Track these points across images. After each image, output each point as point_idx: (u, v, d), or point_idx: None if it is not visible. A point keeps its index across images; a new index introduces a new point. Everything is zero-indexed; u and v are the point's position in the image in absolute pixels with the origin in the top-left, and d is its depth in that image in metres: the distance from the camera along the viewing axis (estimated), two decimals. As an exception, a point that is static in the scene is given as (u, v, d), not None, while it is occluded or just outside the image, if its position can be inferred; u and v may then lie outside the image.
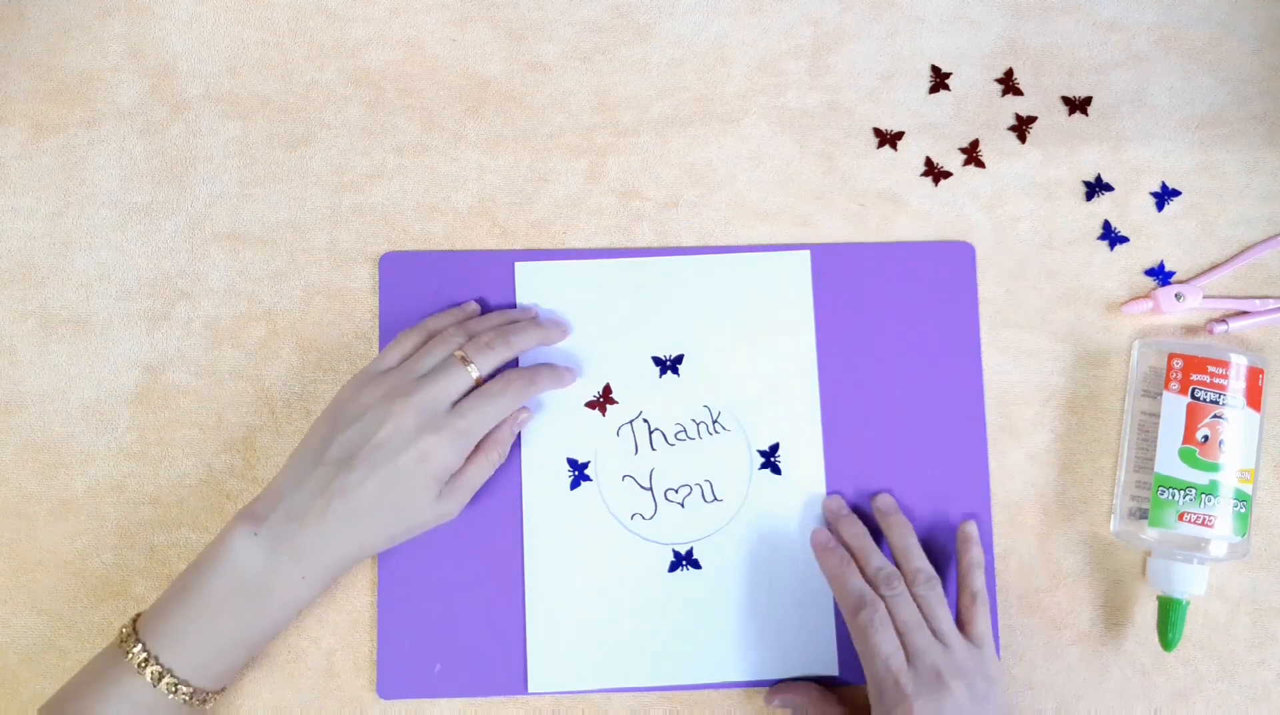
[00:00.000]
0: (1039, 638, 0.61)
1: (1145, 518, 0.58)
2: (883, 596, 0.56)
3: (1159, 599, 0.59)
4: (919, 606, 0.56)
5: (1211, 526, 0.57)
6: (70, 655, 0.60)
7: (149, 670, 0.52)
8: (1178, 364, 0.58)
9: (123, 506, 0.61)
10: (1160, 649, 0.60)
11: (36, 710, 0.55)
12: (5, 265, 0.63)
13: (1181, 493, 0.57)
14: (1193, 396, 0.58)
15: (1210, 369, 0.58)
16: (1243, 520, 0.58)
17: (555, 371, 0.60)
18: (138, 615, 0.55)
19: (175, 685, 0.53)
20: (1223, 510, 0.57)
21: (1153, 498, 0.58)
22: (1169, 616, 0.58)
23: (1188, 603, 0.58)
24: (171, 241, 0.63)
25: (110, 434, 0.61)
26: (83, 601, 0.60)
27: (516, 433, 0.59)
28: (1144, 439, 0.59)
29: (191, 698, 0.53)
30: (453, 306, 0.62)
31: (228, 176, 0.63)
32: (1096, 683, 0.60)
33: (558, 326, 0.61)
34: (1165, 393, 0.58)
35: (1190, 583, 0.58)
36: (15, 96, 0.64)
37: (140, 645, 0.53)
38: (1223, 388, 0.58)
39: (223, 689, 0.55)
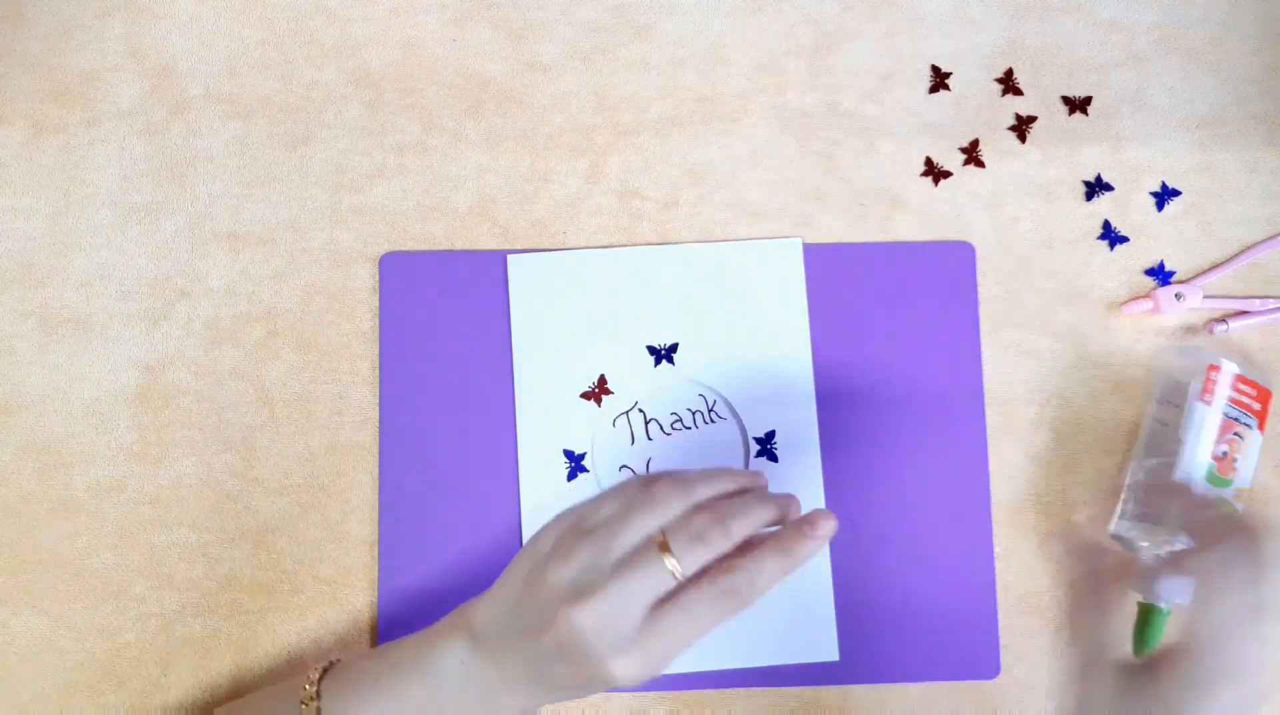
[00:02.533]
0: (1039, 638, 0.60)
1: (1148, 521, 0.57)
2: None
3: (1140, 604, 0.58)
4: None
5: None
6: (70, 655, 0.60)
7: None
8: (1215, 376, 0.58)
9: (123, 506, 0.61)
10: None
11: None
12: (5, 265, 0.63)
13: None
14: (1224, 411, 0.57)
15: (1242, 387, 0.57)
16: None
17: (786, 552, 0.48)
18: (326, 670, 0.53)
19: None
20: None
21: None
22: (1148, 624, 0.57)
23: (1169, 612, 0.57)
24: (171, 241, 0.63)
25: (110, 434, 0.61)
26: (83, 601, 0.60)
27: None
28: (1154, 444, 0.59)
29: None
30: (453, 306, 0.62)
31: (228, 176, 0.63)
32: (1096, 683, 0.60)
33: (792, 501, 0.51)
34: (1198, 403, 0.58)
35: (1176, 592, 0.56)
36: (15, 96, 0.64)
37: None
38: (1251, 409, 0.57)
39: None
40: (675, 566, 0.46)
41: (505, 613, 0.49)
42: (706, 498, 0.49)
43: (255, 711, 0.55)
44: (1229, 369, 0.58)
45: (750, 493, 0.50)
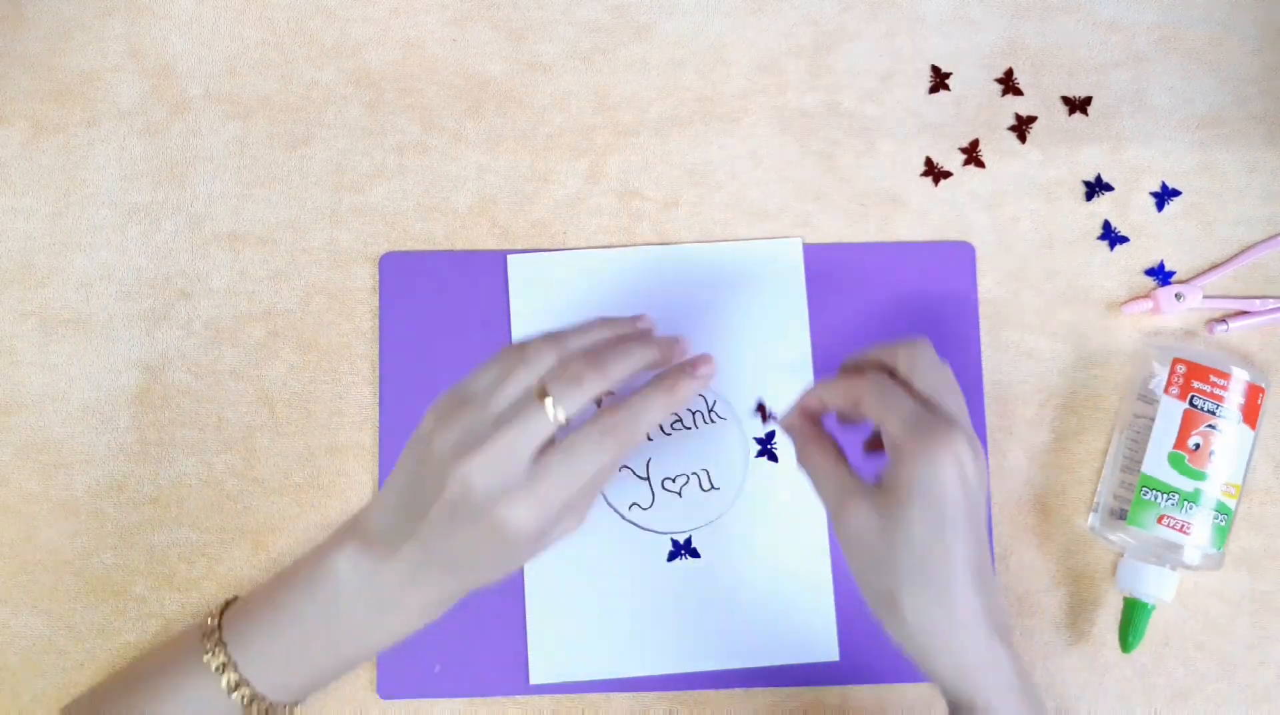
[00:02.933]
0: (1039, 638, 0.61)
1: (1124, 517, 0.58)
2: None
3: (1125, 600, 0.59)
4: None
5: (1188, 533, 0.57)
6: (70, 655, 0.60)
7: (225, 677, 0.50)
8: (1180, 369, 0.58)
9: (123, 506, 0.61)
10: (1160, 652, 0.60)
11: (102, 681, 0.56)
12: (5, 265, 0.63)
13: (1164, 496, 0.57)
14: (1190, 403, 0.58)
15: (1212, 379, 0.58)
16: (1221, 533, 0.57)
17: (669, 390, 0.50)
18: (223, 612, 0.53)
19: (250, 697, 0.50)
20: (1202, 519, 0.57)
21: (1135, 497, 0.58)
22: (1132, 619, 0.58)
23: (1153, 607, 0.58)
24: (171, 241, 0.63)
25: (110, 434, 0.61)
26: (83, 601, 0.60)
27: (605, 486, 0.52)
28: (1135, 440, 0.59)
29: (264, 713, 0.51)
30: (453, 306, 0.62)
31: (228, 176, 0.63)
32: (1096, 683, 0.60)
33: (676, 343, 0.53)
34: (1164, 396, 0.58)
35: (1159, 586, 0.58)
36: (15, 96, 0.64)
37: (223, 649, 0.51)
38: (1221, 400, 0.58)
39: (296, 704, 0.53)
40: (554, 410, 0.47)
41: (396, 502, 0.50)
42: (581, 347, 0.50)
43: (155, 663, 0.53)
44: (1194, 362, 0.58)
45: (629, 337, 0.51)
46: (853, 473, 0.51)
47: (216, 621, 0.52)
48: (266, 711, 0.51)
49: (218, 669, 0.50)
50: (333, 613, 0.50)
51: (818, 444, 0.52)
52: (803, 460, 0.52)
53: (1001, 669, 0.49)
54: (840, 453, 0.52)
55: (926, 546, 0.47)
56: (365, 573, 0.50)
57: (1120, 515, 0.58)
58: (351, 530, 0.51)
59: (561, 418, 0.48)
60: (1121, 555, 0.59)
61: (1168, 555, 0.57)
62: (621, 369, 0.50)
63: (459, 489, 0.47)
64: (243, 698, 0.50)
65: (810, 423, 0.53)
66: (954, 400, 0.50)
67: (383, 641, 0.51)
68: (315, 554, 0.52)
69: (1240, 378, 0.58)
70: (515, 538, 0.48)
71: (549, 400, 0.47)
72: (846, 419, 0.53)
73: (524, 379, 0.48)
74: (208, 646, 0.51)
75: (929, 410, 0.49)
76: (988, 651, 0.48)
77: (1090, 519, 0.60)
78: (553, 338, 0.50)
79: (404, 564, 0.49)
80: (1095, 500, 0.61)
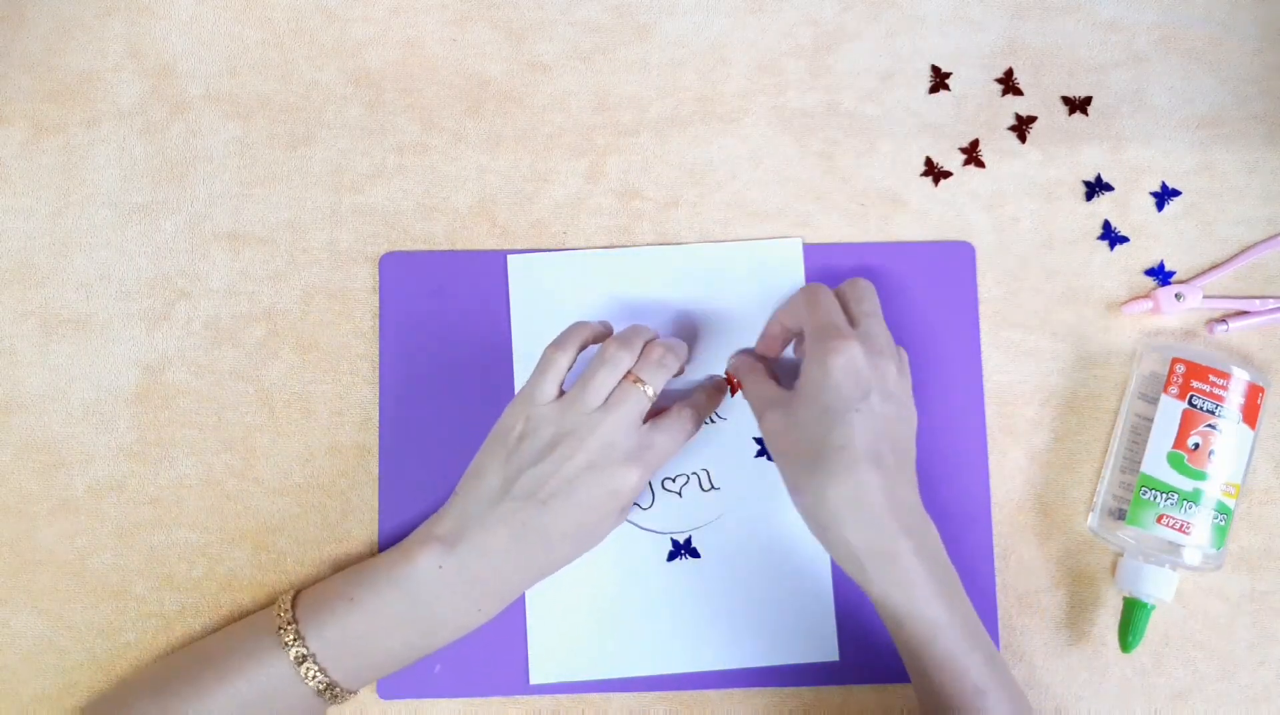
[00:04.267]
0: (1039, 638, 0.61)
1: (1124, 517, 0.58)
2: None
3: (1124, 600, 0.59)
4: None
5: (1188, 533, 0.57)
6: (70, 655, 0.60)
7: (304, 666, 0.53)
8: (1180, 369, 0.58)
9: (123, 506, 0.61)
10: (1160, 652, 0.60)
11: (168, 655, 0.59)
12: (5, 265, 0.63)
13: (1164, 496, 0.57)
14: (1190, 403, 0.58)
15: (1211, 378, 0.58)
16: (1220, 532, 0.57)
17: (710, 394, 0.60)
18: (296, 596, 0.56)
19: (326, 685, 0.53)
20: (1202, 519, 0.57)
21: (1134, 497, 0.58)
22: (1131, 618, 0.58)
23: (1153, 607, 0.58)
24: (171, 241, 0.63)
25: (110, 434, 0.61)
26: (82, 601, 0.60)
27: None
28: (1135, 440, 0.59)
29: (334, 698, 0.54)
30: (453, 306, 0.62)
31: (228, 176, 0.63)
32: (1096, 683, 0.60)
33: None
34: (1163, 396, 0.58)
35: (1158, 586, 0.57)
36: (15, 96, 0.64)
37: (298, 638, 0.53)
38: (1221, 399, 0.58)
39: (357, 691, 0.56)
40: (648, 390, 0.55)
41: (482, 499, 0.55)
42: (641, 344, 0.57)
43: (225, 646, 0.55)
44: (1193, 362, 0.58)
45: (648, 334, 0.59)
46: (776, 387, 0.57)
47: (291, 614, 0.54)
48: (336, 695, 0.54)
49: (296, 657, 0.53)
50: (410, 608, 0.54)
51: (754, 372, 0.59)
52: (744, 390, 0.59)
53: (898, 562, 0.51)
54: (771, 375, 0.59)
55: (820, 435, 0.52)
56: (449, 569, 0.54)
57: (1120, 515, 0.58)
58: (428, 535, 0.55)
59: (652, 395, 0.56)
60: (1121, 555, 0.59)
61: (1167, 555, 0.57)
62: (680, 357, 0.58)
63: (582, 461, 0.54)
64: (318, 684, 0.53)
65: (754, 357, 0.60)
66: (875, 324, 0.55)
67: (453, 634, 0.55)
68: (395, 555, 0.55)
69: (1240, 378, 0.58)
70: (626, 498, 0.55)
71: (645, 386, 0.55)
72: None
73: (610, 374, 0.55)
74: (286, 637, 0.54)
75: (842, 323, 0.55)
76: (880, 541, 0.51)
77: (1090, 519, 0.61)
78: (621, 341, 0.56)
79: (490, 554, 0.54)
80: (1095, 500, 0.61)
